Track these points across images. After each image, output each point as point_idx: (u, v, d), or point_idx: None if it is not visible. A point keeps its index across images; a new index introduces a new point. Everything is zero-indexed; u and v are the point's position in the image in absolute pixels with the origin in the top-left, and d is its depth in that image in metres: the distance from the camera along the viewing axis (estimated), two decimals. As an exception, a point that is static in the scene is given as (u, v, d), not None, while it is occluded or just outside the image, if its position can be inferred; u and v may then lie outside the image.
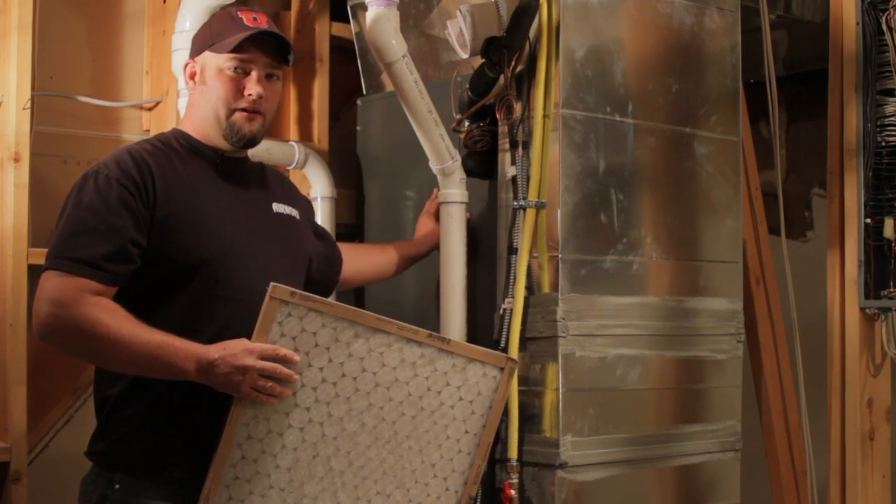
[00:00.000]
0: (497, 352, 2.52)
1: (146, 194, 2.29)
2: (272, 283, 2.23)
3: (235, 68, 2.38)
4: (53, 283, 2.23)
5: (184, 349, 2.20)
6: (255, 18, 2.41)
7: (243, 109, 2.39)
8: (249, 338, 2.22)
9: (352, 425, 2.33)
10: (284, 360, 2.21)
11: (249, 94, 2.38)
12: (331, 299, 2.38)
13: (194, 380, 2.21)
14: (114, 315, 2.20)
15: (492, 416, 2.48)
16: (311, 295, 2.27)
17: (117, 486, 2.29)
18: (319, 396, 2.29)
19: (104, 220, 2.25)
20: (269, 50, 2.40)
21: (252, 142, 2.42)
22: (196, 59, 2.44)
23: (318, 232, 2.80)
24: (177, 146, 2.41)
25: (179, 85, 3.31)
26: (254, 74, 2.39)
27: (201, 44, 2.44)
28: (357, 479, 2.35)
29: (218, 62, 2.38)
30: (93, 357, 2.33)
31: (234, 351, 2.19)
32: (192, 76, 2.44)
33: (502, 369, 2.48)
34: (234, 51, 2.37)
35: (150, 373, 2.24)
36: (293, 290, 2.24)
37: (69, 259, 2.23)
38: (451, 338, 2.48)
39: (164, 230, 2.29)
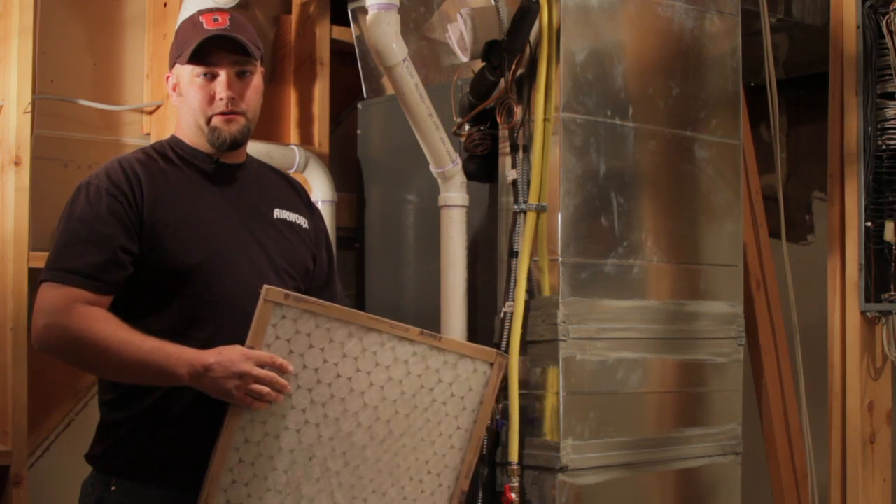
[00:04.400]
0: (487, 347, 2.51)
1: (135, 202, 2.29)
2: (266, 286, 2.22)
3: (204, 74, 2.37)
4: (48, 295, 2.23)
5: (175, 354, 2.19)
6: (215, 20, 2.37)
7: (220, 113, 2.38)
8: (241, 343, 2.22)
9: (347, 425, 2.33)
10: (280, 369, 2.21)
11: (221, 99, 2.36)
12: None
13: (187, 384, 2.20)
14: (105, 323, 2.20)
15: (482, 412, 2.48)
16: (304, 296, 2.27)
17: (113, 489, 2.30)
18: (315, 398, 2.28)
19: (95, 230, 2.26)
20: (233, 48, 2.37)
21: (236, 143, 2.40)
22: (172, 71, 2.44)
23: (331, 268, 2.64)
24: (171, 154, 2.41)
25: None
26: (222, 77, 2.36)
27: (172, 55, 2.44)
28: (353, 478, 2.35)
29: (186, 72, 2.38)
30: (88, 366, 2.33)
31: (231, 357, 2.18)
32: (174, 88, 2.44)
33: (492, 364, 2.48)
34: (195, 59, 2.36)
35: (143, 379, 2.24)
36: (287, 291, 2.24)
37: (62, 270, 2.24)
38: (441, 335, 2.47)
39: (153, 236, 2.29)
